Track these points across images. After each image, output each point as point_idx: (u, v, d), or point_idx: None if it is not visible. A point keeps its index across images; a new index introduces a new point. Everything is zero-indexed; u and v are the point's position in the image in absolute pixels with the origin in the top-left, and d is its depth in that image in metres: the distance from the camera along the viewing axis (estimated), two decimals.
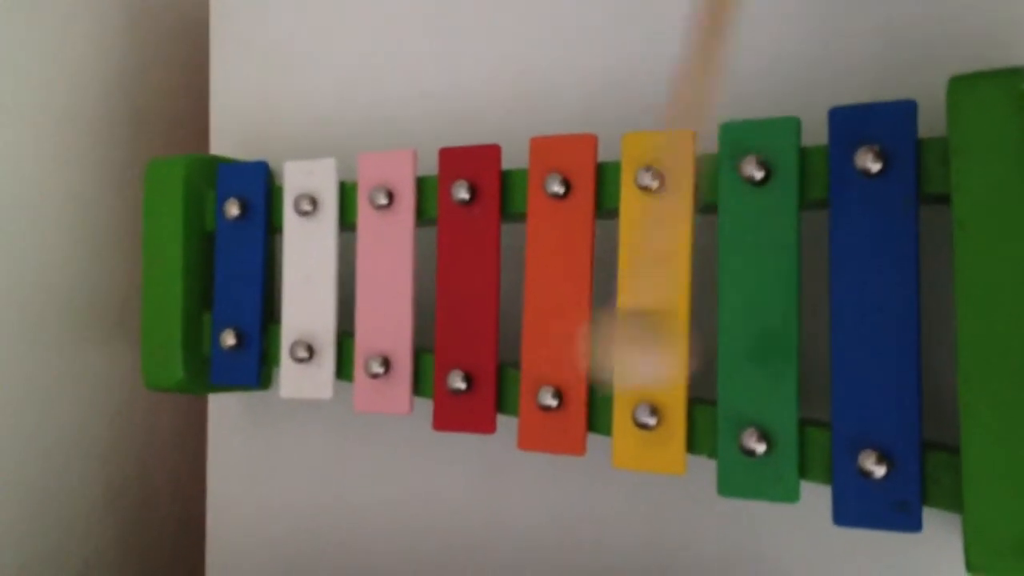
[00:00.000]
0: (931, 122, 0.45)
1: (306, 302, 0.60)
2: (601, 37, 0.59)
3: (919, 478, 0.42)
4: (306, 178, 0.60)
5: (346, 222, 0.59)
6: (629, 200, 0.49)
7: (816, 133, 0.47)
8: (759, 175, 0.46)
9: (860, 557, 0.50)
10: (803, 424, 0.45)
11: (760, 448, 0.44)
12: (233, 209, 0.61)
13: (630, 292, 0.49)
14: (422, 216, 0.57)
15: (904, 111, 0.44)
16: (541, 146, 0.52)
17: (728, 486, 0.46)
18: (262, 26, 0.72)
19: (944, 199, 0.43)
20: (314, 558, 0.67)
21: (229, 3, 0.74)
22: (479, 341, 0.53)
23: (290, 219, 0.60)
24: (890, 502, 0.42)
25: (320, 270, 0.59)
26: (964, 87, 0.42)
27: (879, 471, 0.42)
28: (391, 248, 0.57)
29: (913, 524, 0.42)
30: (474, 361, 0.53)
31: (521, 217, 0.54)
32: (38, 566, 0.70)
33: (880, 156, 0.43)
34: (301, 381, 0.59)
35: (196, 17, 0.85)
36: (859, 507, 0.43)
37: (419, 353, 0.56)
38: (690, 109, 0.42)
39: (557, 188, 0.51)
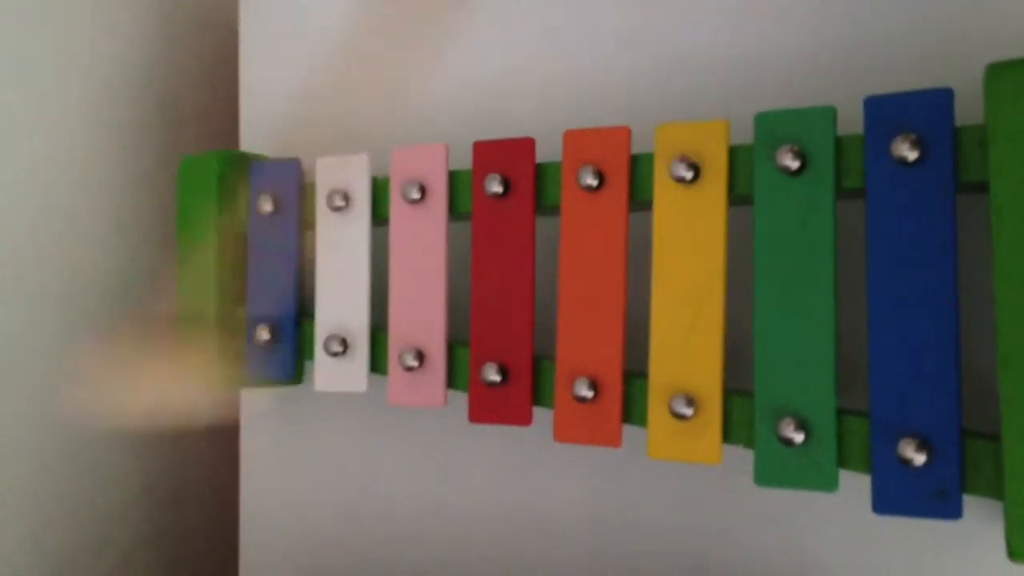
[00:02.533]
0: (967, 110, 0.45)
1: (340, 297, 0.60)
2: (633, 30, 0.59)
3: (959, 465, 0.42)
4: (339, 174, 0.60)
5: (379, 217, 0.60)
6: (663, 191, 0.50)
7: (852, 122, 0.47)
8: (795, 165, 0.46)
9: (899, 546, 0.50)
10: (841, 413, 0.45)
11: (798, 437, 0.44)
12: (266, 205, 0.62)
13: (665, 283, 0.49)
14: (455, 210, 0.57)
15: (940, 99, 0.43)
16: (574, 139, 0.52)
17: (766, 475, 0.46)
18: (291, 22, 0.73)
19: (982, 187, 0.43)
20: (347, 550, 0.67)
21: (259, 1, 0.74)
22: (514, 333, 0.54)
23: (323, 214, 0.61)
24: (930, 490, 0.42)
25: (353, 265, 0.60)
26: (1002, 74, 0.42)
27: (919, 459, 0.42)
28: (424, 242, 0.57)
29: (953, 511, 0.42)
30: (509, 353, 0.54)
31: (555, 210, 0.54)
32: (77, 558, 0.71)
33: (917, 144, 0.43)
34: (335, 375, 0.60)
35: (226, 14, 0.85)
36: (898, 495, 0.43)
37: (453, 346, 0.57)
38: None
39: (591, 180, 0.51)
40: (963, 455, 0.42)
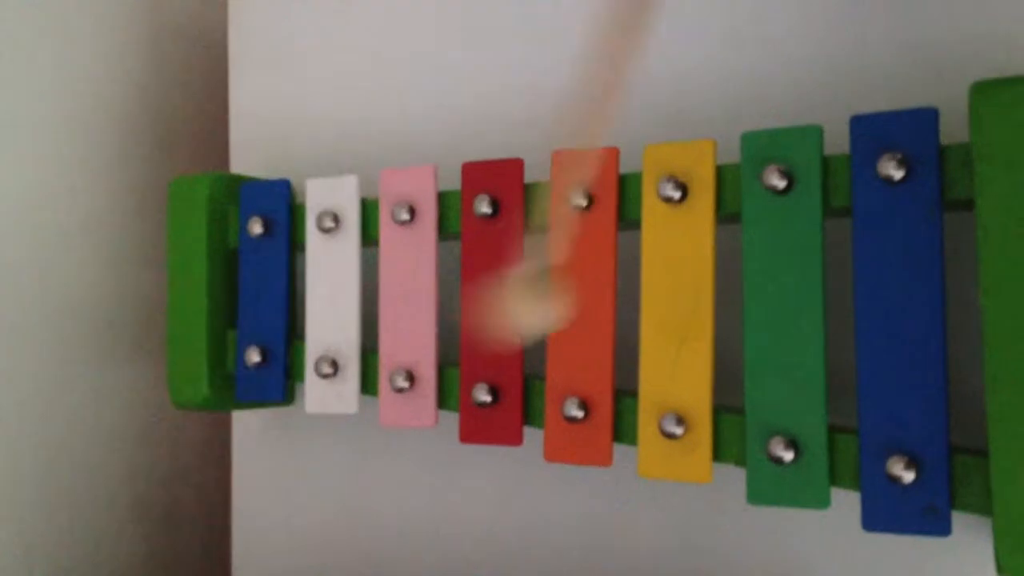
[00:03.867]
0: (953, 129, 0.45)
1: (330, 318, 0.60)
2: None
3: (947, 482, 0.42)
4: (328, 195, 0.61)
5: (368, 238, 0.60)
6: (651, 211, 0.50)
7: (838, 141, 0.48)
8: (781, 184, 0.46)
9: (890, 563, 0.51)
10: (832, 431, 0.45)
11: (788, 456, 0.45)
12: (256, 227, 0.62)
13: (654, 302, 0.49)
14: (444, 230, 0.57)
15: (926, 118, 0.44)
16: (564, 159, 0.53)
17: (757, 494, 0.46)
18: (281, 44, 0.73)
19: (968, 205, 0.44)
20: (339, 570, 0.67)
21: (248, 22, 0.75)
22: (505, 354, 0.54)
23: (313, 236, 0.61)
24: (919, 507, 0.42)
25: (343, 286, 0.60)
26: (986, 93, 0.42)
27: (908, 476, 0.42)
28: (414, 263, 0.57)
29: (942, 528, 0.42)
30: (500, 374, 0.54)
31: (544, 230, 0.54)
32: (70, 574, 0.71)
33: (903, 163, 0.43)
34: (326, 396, 0.60)
35: (216, 36, 0.86)
36: (888, 512, 0.43)
37: (443, 367, 0.57)
38: (588, 126, 0.42)
39: (580, 200, 0.51)
40: (952, 472, 0.42)
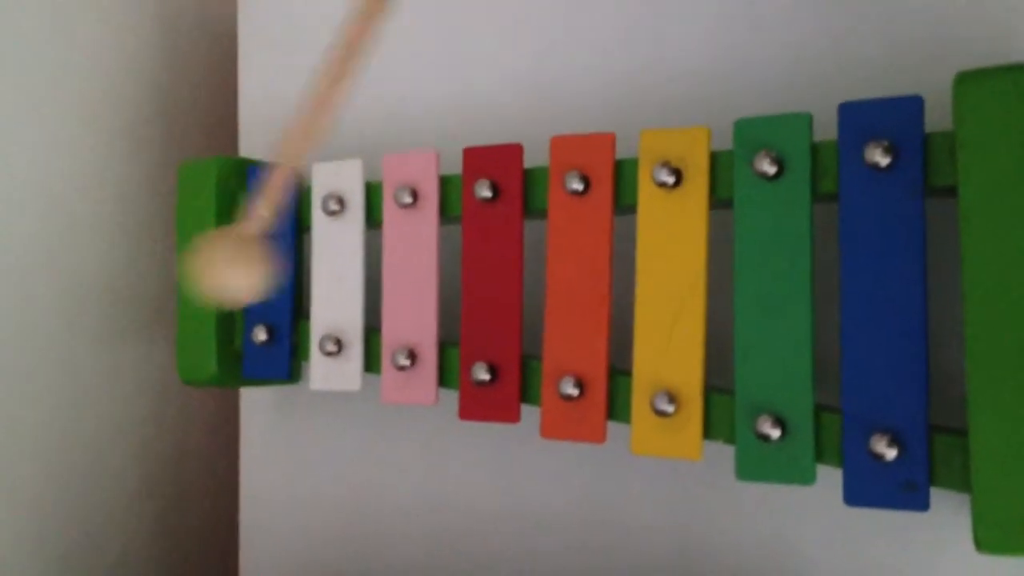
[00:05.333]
0: (938, 117, 0.46)
1: (334, 298, 0.62)
2: (618, 38, 0.61)
3: (927, 459, 0.43)
4: (333, 179, 0.62)
5: (372, 221, 0.61)
6: (646, 196, 0.51)
7: (828, 128, 0.49)
8: (772, 170, 0.47)
9: (874, 537, 0.52)
10: (818, 409, 0.47)
11: (775, 433, 0.46)
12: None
13: (648, 284, 0.51)
14: (445, 214, 0.59)
15: (911, 106, 0.45)
16: (561, 145, 0.54)
17: (746, 470, 0.48)
18: (289, 30, 0.74)
19: (951, 191, 0.45)
20: (344, 545, 0.69)
21: (257, 8, 0.76)
22: (503, 334, 0.55)
23: (318, 218, 0.62)
24: (899, 483, 0.43)
25: (348, 267, 0.61)
26: (970, 82, 0.43)
27: (890, 453, 0.43)
28: (416, 245, 0.59)
29: (921, 503, 0.43)
30: (498, 353, 0.55)
31: (542, 214, 0.56)
32: (79, 552, 0.73)
33: (889, 150, 0.44)
34: (330, 374, 0.61)
35: (225, 21, 0.87)
36: (869, 488, 0.44)
37: (444, 346, 0.58)
38: (298, 147, 0.45)
39: (577, 185, 0.52)
40: (932, 450, 0.44)
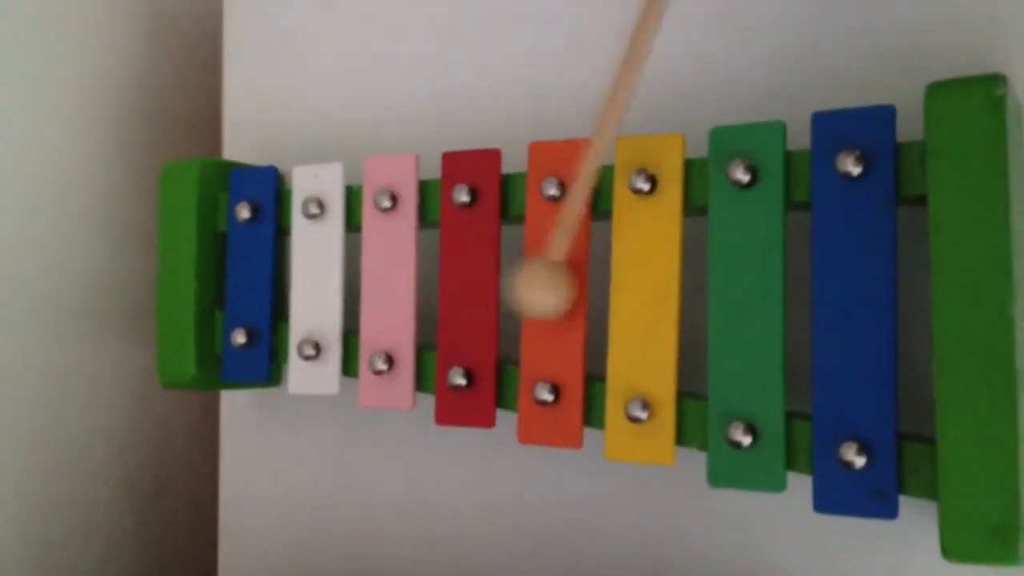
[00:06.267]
0: (910, 127, 0.47)
1: (313, 302, 0.62)
2: (599, 44, 0.61)
3: (896, 468, 0.43)
4: (314, 182, 0.62)
5: (352, 224, 0.61)
6: (621, 202, 0.51)
7: (802, 137, 0.49)
8: (746, 178, 0.47)
9: (843, 544, 0.52)
10: (790, 417, 0.47)
11: (746, 440, 0.46)
12: (244, 212, 0.63)
13: (623, 290, 0.51)
14: (425, 218, 0.59)
15: (883, 116, 0.45)
16: (539, 150, 0.54)
17: (718, 477, 0.48)
18: (274, 34, 0.74)
19: (921, 201, 0.45)
20: (322, 546, 0.69)
21: (242, 10, 0.76)
22: (479, 339, 0.55)
23: (298, 222, 0.62)
24: (868, 491, 0.44)
25: (327, 271, 0.61)
26: (941, 93, 0.44)
27: (859, 461, 0.43)
28: (395, 249, 0.59)
29: (890, 512, 0.43)
30: (475, 358, 0.55)
31: (520, 219, 0.56)
32: (62, 548, 0.73)
33: (861, 159, 0.45)
34: (309, 378, 0.61)
35: (210, 22, 0.87)
36: (839, 495, 0.44)
37: (421, 350, 0.58)
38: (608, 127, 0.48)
39: (554, 191, 0.53)
40: (901, 458, 0.44)
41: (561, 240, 0.51)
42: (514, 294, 0.50)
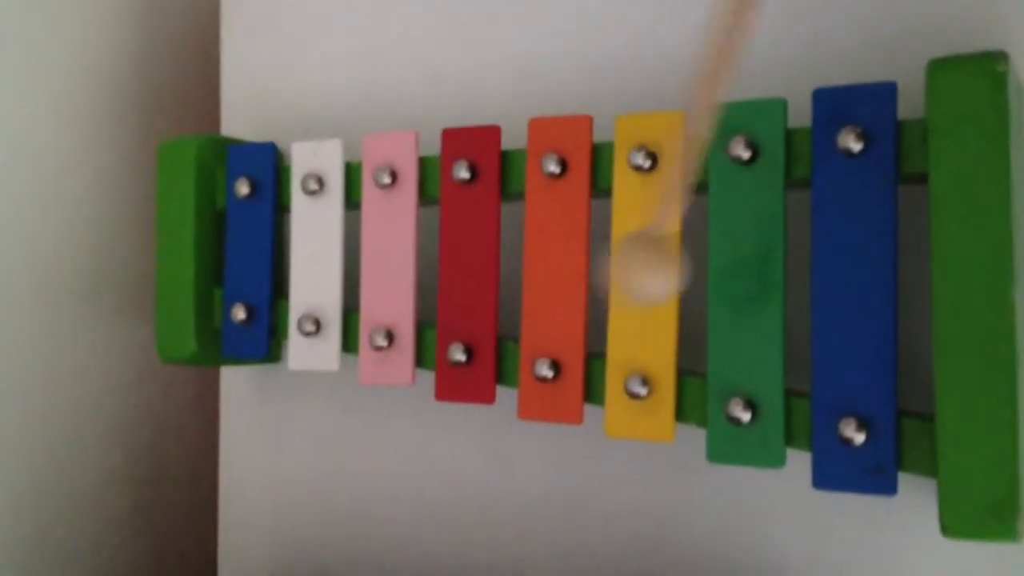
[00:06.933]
0: (911, 104, 0.47)
1: (313, 278, 0.62)
2: (599, 21, 0.61)
3: (895, 444, 0.44)
4: (313, 159, 0.62)
5: (352, 201, 0.61)
6: (622, 179, 0.51)
7: (803, 114, 0.49)
8: (746, 155, 0.47)
9: (843, 521, 0.52)
10: (789, 394, 0.47)
11: (745, 416, 0.46)
12: (243, 188, 0.63)
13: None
14: (424, 195, 0.59)
15: (885, 93, 0.45)
16: (539, 127, 0.54)
17: (717, 453, 0.48)
18: (272, 10, 0.74)
19: (922, 178, 0.45)
20: (322, 524, 0.69)
21: None
22: (479, 315, 0.55)
23: (298, 198, 0.62)
24: (867, 467, 0.44)
25: (326, 247, 0.61)
26: (943, 69, 0.43)
27: (858, 438, 0.44)
28: (394, 226, 0.59)
29: (888, 488, 0.44)
30: (474, 334, 0.55)
31: (520, 196, 0.56)
32: (56, 531, 0.73)
33: (861, 136, 0.45)
34: (309, 354, 0.61)
35: (209, 2, 0.87)
36: (838, 472, 0.44)
37: (422, 327, 0.58)
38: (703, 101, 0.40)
39: (554, 168, 0.53)
40: (899, 435, 0.44)
41: (668, 213, 0.41)
42: (617, 277, 0.41)
